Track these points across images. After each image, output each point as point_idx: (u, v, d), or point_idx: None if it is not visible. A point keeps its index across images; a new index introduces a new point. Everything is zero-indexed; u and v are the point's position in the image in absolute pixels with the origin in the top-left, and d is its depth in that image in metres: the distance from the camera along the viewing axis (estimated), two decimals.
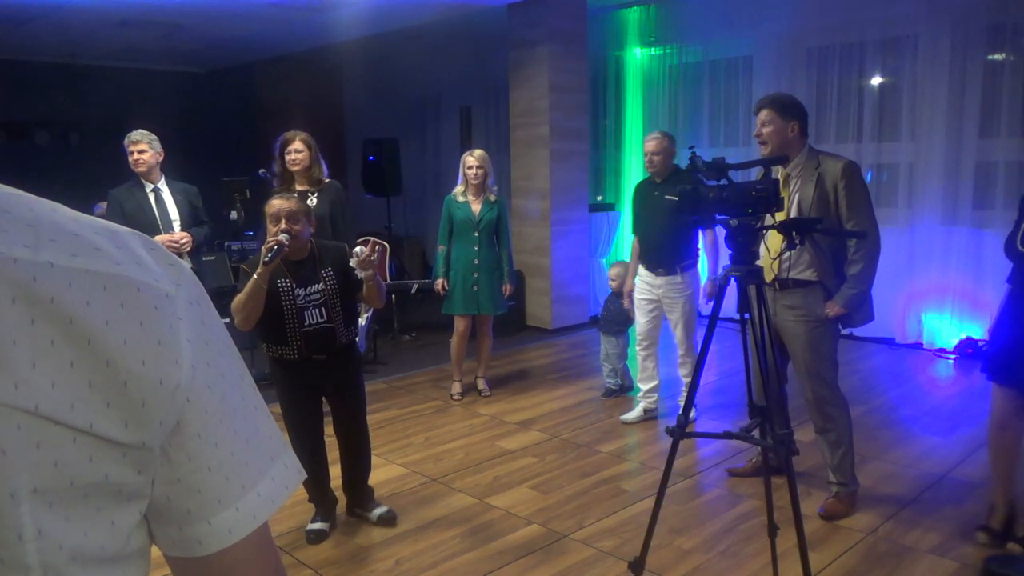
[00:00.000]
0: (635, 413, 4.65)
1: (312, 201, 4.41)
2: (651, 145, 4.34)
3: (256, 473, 0.63)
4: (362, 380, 3.41)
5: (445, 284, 5.01)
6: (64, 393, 0.51)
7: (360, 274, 3.08)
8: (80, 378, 0.52)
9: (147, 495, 0.58)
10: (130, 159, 4.52)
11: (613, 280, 4.91)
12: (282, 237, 2.95)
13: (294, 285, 3.07)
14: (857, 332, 5.85)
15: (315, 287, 3.10)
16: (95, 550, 0.55)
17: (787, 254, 3.17)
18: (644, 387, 4.66)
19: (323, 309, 3.10)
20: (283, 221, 3.02)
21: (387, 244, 6.85)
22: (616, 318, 4.90)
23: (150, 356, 0.55)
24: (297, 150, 4.35)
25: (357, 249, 3.10)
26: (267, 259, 2.89)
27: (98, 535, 0.55)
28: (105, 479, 0.54)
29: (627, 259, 5.01)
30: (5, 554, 0.50)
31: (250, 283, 2.93)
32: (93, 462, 0.53)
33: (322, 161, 4.48)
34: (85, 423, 0.52)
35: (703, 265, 4.52)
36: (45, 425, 0.50)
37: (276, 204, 3.07)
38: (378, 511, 3.40)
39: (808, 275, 3.26)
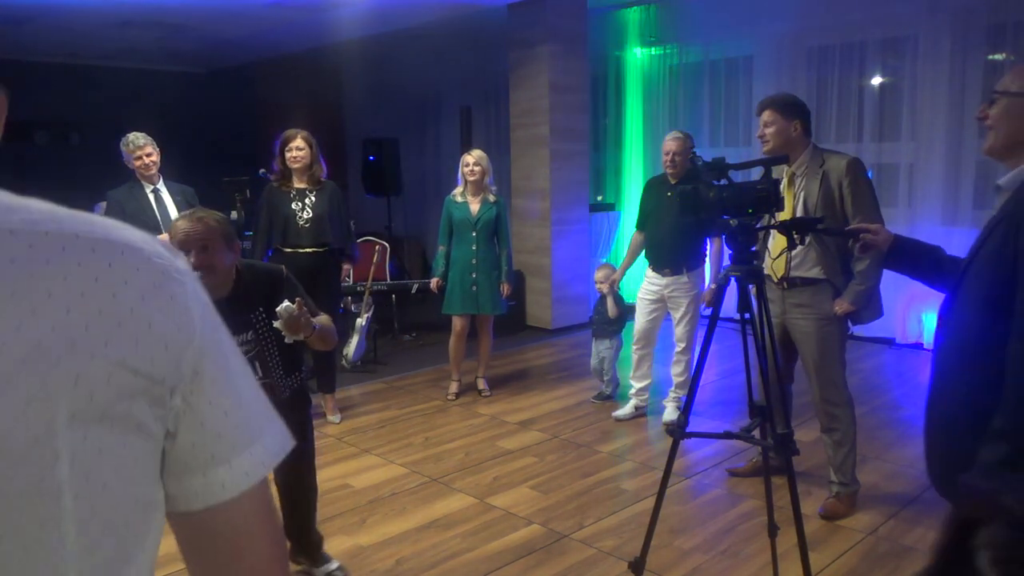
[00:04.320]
0: (627, 410, 4.69)
1: (311, 199, 4.41)
2: (674, 145, 4.30)
3: (259, 427, 0.72)
4: (311, 431, 2.90)
5: (440, 282, 5.02)
6: (98, 332, 0.58)
7: (289, 339, 2.37)
8: (111, 320, 0.59)
9: (159, 437, 0.64)
10: (137, 163, 4.50)
11: (600, 283, 4.92)
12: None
13: None
14: (857, 332, 5.84)
15: (246, 336, 2.44)
16: (121, 486, 0.60)
17: (794, 252, 3.17)
18: (637, 385, 4.69)
19: (256, 364, 2.47)
20: (193, 253, 2.27)
21: (387, 244, 6.87)
22: (607, 320, 4.91)
23: (166, 307, 0.63)
24: (299, 147, 4.35)
25: (281, 307, 2.33)
26: None
27: (125, 472, 0.61)
28: (129, 412, 0.60)
29: (622, 258, 5.02)
30: (40, 475, 0.55)
31: None
32: (122, 396, 0.59)
33: (322, 160, 4.49)
34: (118, 356, 0.59)
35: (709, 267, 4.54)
36: (82, 358, 0.57)
37: (181, 227, 2.32)
38: (327, 568, 2.92)
39: (815, 273, 3.27)
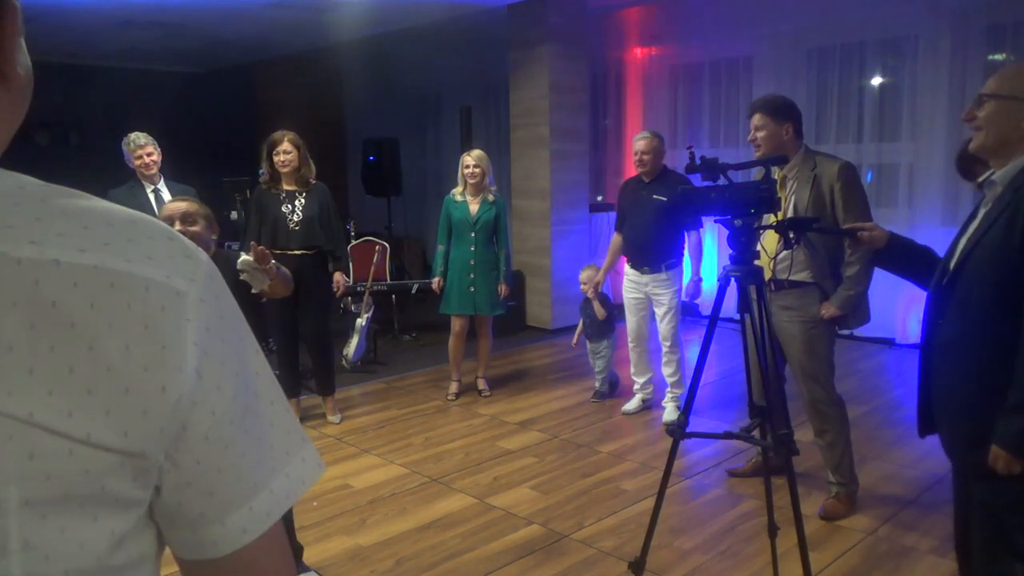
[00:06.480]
0: (634, 403, 4.80)
1: (301, 201, 4.40)
2: (641, 144, 4.38)
3: (269, 471, 0.62)
4: None
5: (441, 283, 5.02)
6: (62, 401, 0.49)
7: (256, 289, 2.50)
8: (79, 385, 0.50)
9: (145, 501, 0.57)
10: (137, 162, 4.51)
11: (584, 284, 4.93)
12: None
13: None
14: (857, 332, 5.84)
15: None
16: (91, 561, 0.53)
17: (784, 254, 3.17)
18: (640, 380, 4.80)
19: None
20: (176, 224, 2.43)
21: (387, 244, 6.87)
22: (596, 323, 4.91)
23: (153, 362, 0.53)
24: (286, 151, 4.33)
25: (240, 260, 2.46)
26: None
27: (96, 546, 0.53)
28: (102, 490, 0.52)
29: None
30: None
31: None
32: (90, 474, 0.51)
33: (311, 161, 4.47)
34: (83, 433, 0.50)
35: (687, 264, 4.60)
36: (39, 435, 0.49)
37: (169, 207, 2.55)
38: None
39: (804, 276, 3.26)
